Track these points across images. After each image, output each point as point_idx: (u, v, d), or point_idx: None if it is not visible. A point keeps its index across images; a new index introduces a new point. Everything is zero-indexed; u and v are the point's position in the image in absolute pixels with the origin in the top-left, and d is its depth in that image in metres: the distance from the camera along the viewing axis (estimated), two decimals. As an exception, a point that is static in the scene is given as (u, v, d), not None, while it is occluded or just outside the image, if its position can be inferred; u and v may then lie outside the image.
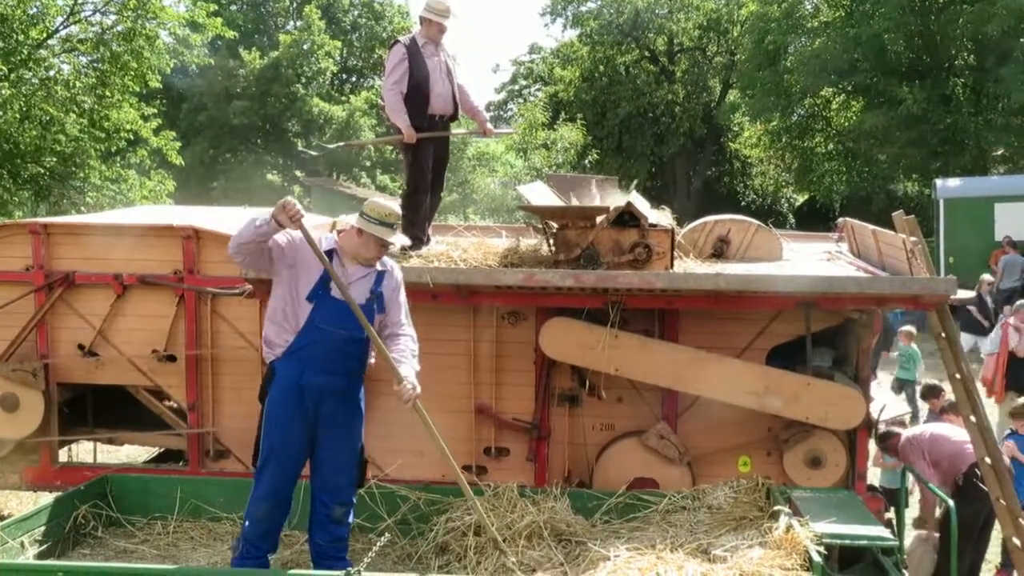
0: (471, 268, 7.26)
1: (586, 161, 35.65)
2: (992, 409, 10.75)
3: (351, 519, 6.11)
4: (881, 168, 28.85)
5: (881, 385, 9.23)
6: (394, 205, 6.02)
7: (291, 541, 6.55)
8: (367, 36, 39.96)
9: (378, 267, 5.97)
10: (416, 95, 7.90)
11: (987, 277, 15.59)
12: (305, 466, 6.04)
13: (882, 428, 8.17)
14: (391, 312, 6.01)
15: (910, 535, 8.18)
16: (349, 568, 5.35)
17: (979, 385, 11.27)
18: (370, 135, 34.20)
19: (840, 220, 9.20)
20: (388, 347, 5.91)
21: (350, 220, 6.17)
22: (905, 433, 8.19)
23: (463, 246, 7.96)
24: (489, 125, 8.52)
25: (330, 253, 5.81)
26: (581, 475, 7.65)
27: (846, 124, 30.43)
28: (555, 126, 33.34)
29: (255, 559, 5.83)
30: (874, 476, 9.21)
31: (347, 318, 5.76)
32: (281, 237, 5.77)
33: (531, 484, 7.29)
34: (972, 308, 15.60)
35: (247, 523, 5.88)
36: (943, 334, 7.13)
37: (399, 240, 6.16)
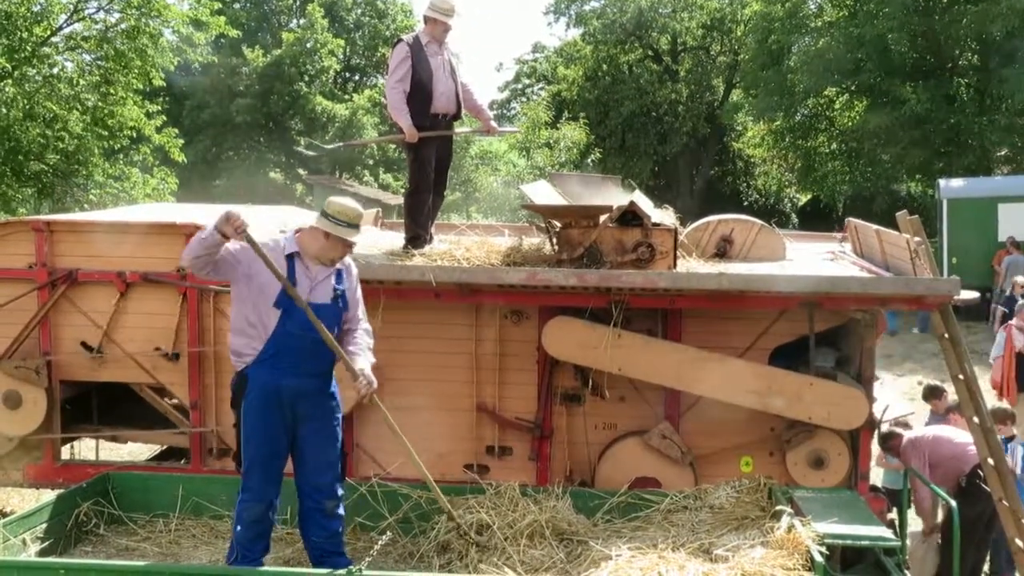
0: (474, 267, 7.26)
1: (589, 160, 35.60)
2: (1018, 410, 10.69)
3: (342, 511, 6.11)
4: (884, 168, 28.79)
5: (883, 385, 9.20)
6: (357, 204, 5.92)
7: (293, 539, 6.55)
8: (370, 34, 39.93)
9: (338, 265, 5.94)
10: (419, 94, 7.89)
11: (1021, 279, 15.44)
12: (288, 464, 6.04)
13: (885, 429, 8.16)
14: (351, 308, 6.02)
15: (912, 536, 8.17)
16: (351, 566, 5.35)
17: (989, 388, 11.27)
18: (373, 133, 34.19)
19: (848, 221, 9.20)
20: (346, 342, 5.96)
21: (309, 221, 6.02)
22: (907, 435, 8.18)
23: (466, 245, 7.97)
24: (493, 124, 8.51)
25: (292, 257, 5.76)
26: (583, 474, 7.65)
27: (850, 124, 30.38)
28: (558, 125, 33.30)
29: (251, 562, 5.82)
30: (876, 476, 9.20)
31: (321, 320, 5.77)
32: (233, 246, 5.67)
33: (533, 483, 7.29)
34: (1002, 309, 15.52)
35: (238, 528, 5.86)
36: (946, 335, 7.12)
37: (363, 238, 6.12)
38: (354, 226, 5.78)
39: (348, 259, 6.04)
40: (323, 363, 5.90)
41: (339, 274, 5.94)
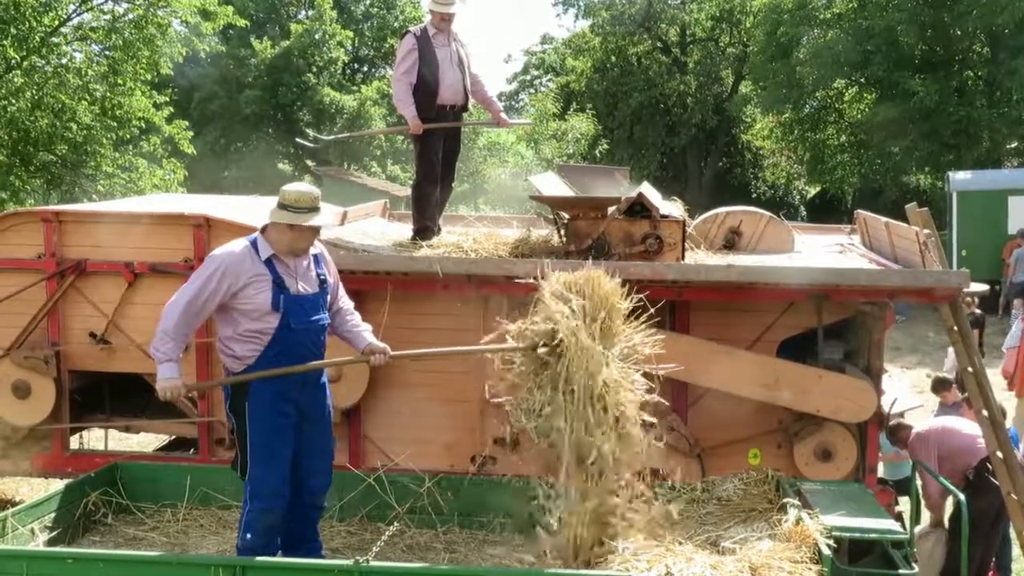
0: (481, 258, 7.25)
1: (597, 152, 35.57)
2: (1011, 404, 10.69)
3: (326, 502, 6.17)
4: (894, 160, 28.71)
5: (892, 378, 9.19)
6: (311, 187, 5.84)
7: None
8: (378, 25, 39.86)
9: (312, 251, 5.88)
10: (425, 85, 7.90)
11: None
12: None
13: (894, 421, 8.13)
14: (334, 289, 6.00)
15: (920, 529, 8.16)
16: (358, 557, 5.36)
17: (1000, 377, 11.24)
18: (381, 124, 34.17)
19: (857, 214, 9.18)
20: (344, 322, 5.97)
21: (264, 214, 5.85)
22: (915, 428, 8.15)
23: (474, 236, 7.96)
24: (503, 115, 8.50)
25: (269, 260, 5.66)
26: (590, 466, 7.63)
27: (859, 116, 30.31)
28: (566, 116, 33.28)
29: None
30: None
31: (315, 309, 5.76)
32: (212, 296, 5.58)
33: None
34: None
35: (248, 536, 5.73)
36: (955, 327, 7.10)
37: (326, 219, 6.04)
38: (315, 209, 5.66)
39: (316, 243, 5.94)
40: (320, 351, 5.88)
41: (316, 260, 5.88)
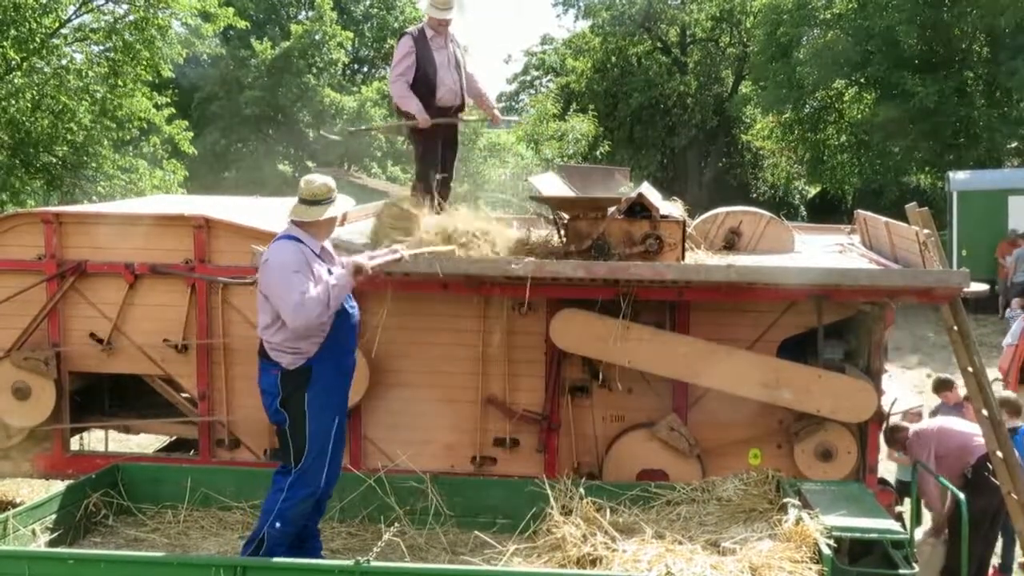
0: (481, 258, 7.25)
1: (597, 152, 35.51)
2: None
3: None
4: (894, 161, 28.70)
5: (892, 378, 9.18)
6: (323, 177, 5.93)
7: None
8: (378, 26, 39.86)
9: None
10: (423, 87, 7.93)
11: None
12: None
13: (892, 423, 8.12)
14: None
15: (920, 530, 8.15)
16: (358, 558, 5.36)
17: (996, 372, 11.25)
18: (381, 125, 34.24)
19: (857, 214, 9.18)
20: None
21: (287, 208, 5.96)
22: (913, 427, 8.15)
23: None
24: (496, 112, 8.52)
25: (321, 254, 5.81)
26: (591, 466, 7.65)
27: (859, 116, 30.29)
28: (566, 117, 33.21)
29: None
30: (889, 471, 9.18)
31: (350, 295, 5.91)
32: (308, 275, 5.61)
33: (541, 475, 7.29)
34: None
35: (277, 524, 5.77)
36: (955, 327, 7.10)
37: (343, 208, 6.10)
38: (332, 201, 5.83)
39: None
40: (357, 341, 6.07)
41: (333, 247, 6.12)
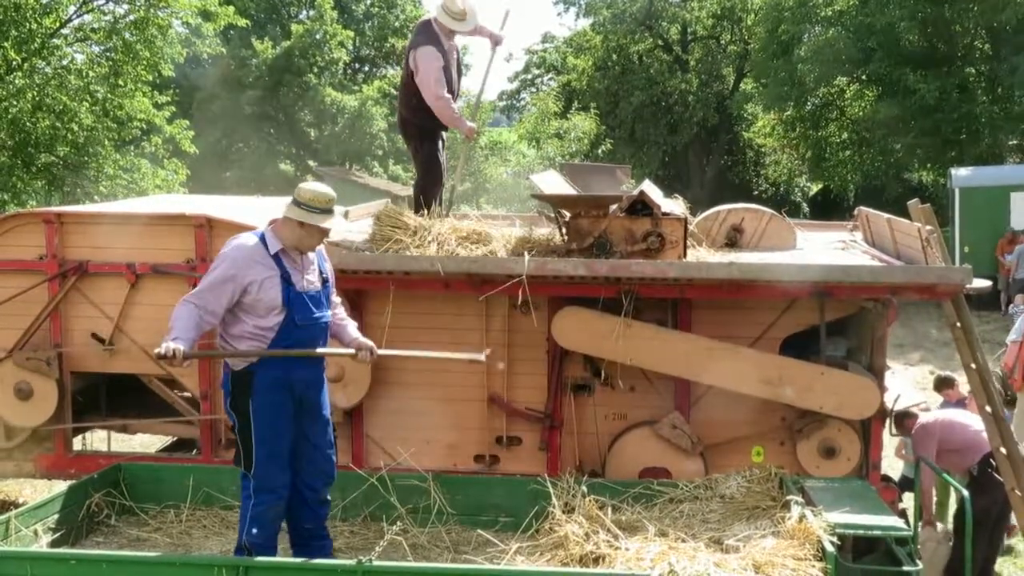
0: (483, 257, 7.25)
1: (599, 150, 35.54)
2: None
3: (330, 497, 6.20)
4: (896, 157, 28.68)
5: (895, 374, 9.17)
6: (328, 188, 5.84)
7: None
8: (379, 25, 39.86)
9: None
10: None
11: None
12: None
13: (901, 409, 8.05)
14: (332, 286, 6.07)
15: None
16: (361, 558, 5.35)
17: (999, 370, 11.22)
18: (382, 124, 34.30)
19: (859, 210, 9.16)
20: (332, 315, 5.99)
21: (281, 209, 5.89)
22: (919, 419, 8.12)
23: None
24: (494, 31, 8.51)
25: (277, 255, 5.69)
26: (593, 464, 7.64)
27: (860, 113, 30.25)
28: (568, 115, 33.25)
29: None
30: (896, 468, 9.17)
31: (318, 305, 5.81)
32: (226, 296, 5.60)
33: (543, 473, 7.28)
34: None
35: (254, 531, 5.77)
36: (958, 324, 7.09)
37: (338, 223, 6.08)
38: (328, 211, 5.70)
39: None
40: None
41: (320, 257, 5.97)
